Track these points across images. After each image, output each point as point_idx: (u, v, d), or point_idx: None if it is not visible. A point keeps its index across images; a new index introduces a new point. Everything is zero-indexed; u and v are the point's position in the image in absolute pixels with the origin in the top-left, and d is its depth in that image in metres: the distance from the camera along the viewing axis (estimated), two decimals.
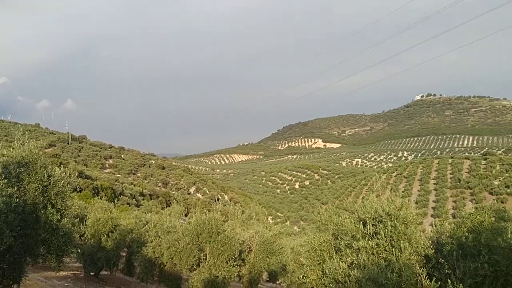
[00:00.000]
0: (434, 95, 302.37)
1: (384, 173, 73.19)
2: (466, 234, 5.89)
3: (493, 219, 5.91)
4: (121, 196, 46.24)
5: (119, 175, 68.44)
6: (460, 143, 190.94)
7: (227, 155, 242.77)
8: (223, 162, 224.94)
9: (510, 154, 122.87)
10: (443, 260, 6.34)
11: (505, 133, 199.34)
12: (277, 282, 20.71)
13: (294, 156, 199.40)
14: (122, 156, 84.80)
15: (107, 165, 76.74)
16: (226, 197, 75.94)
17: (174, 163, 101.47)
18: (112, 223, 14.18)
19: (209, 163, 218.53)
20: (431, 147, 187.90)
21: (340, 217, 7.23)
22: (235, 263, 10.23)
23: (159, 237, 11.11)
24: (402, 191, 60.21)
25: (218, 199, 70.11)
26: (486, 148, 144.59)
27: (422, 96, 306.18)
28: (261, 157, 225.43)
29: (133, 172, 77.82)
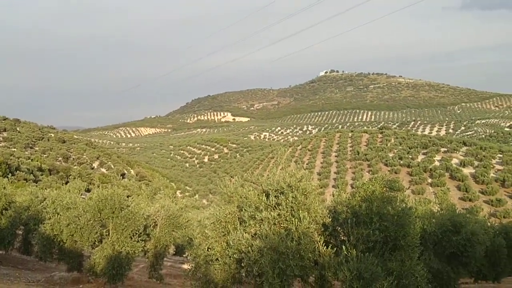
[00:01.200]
0: (337, 71, 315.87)
1: (290, 147, 75.61)
2: (360, 203, 6.29)
3: (383, 188, 6.37)
4: (17, 171, 43.18)
5: (15, 149, 63.68)
6: (360, 117, 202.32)
7: (133, 129, 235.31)
8: (129, 136, 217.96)
9: (403, 128, 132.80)
10: (339, 228, 6.75)
11: (400, 109, 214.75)
12: (184, 255, 20.80)
13: (203, 130, 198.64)
14: (18, 129, 78.75)
15: (0, 138, 70.96)
16: (132, 171, 73.98)
17: (75, 136, 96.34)
18: (6, 200, 13.27)
19: (114, 136, 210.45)
20: (334, 121, 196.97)
21: (245, 190, 7.36)
22: (139, 238, 10.06)
23: (58, 214, 10.54)
24: (306, 164, 62.70)
25: (123, 174, 68.10)
26: (383, 123, 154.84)
27: (326, 72, 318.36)
28: (169, 130, 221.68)
29: (30, 146, 72.70)
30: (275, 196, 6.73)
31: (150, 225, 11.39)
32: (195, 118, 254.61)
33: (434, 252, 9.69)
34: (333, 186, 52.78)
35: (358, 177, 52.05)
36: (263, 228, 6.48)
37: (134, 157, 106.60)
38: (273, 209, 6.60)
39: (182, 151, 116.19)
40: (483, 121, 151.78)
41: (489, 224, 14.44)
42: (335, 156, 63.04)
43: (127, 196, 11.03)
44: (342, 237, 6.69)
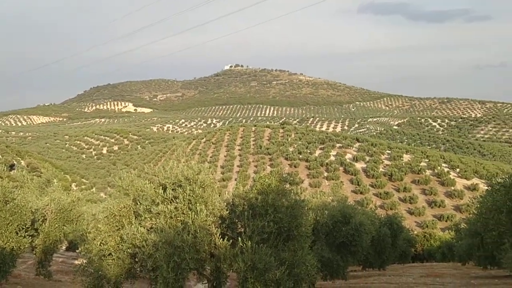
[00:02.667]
0: (242, 66, 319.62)
1: (193, 139, 75.17)
2: (257, 195, 6.43)
3: (279, 182, 6.57)
4: None
5: None
6: (263, 112, 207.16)
7: (25, 117, 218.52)
8: (20, 124, 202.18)
9: (303, 124, 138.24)
10: (236, 220, 6.84)
11: (300, 105, 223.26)
12: (77, 251, 19.81)
13: (102, 120, 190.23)
14: None
15: None
16: (22, 162, 68.75)
17: None
18: None
19: (3, 124, 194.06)
20: (238, 115, 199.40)
21: (141, 183, 7.17)
22: (26, 233, 9.42)
23: None
24: (210, 157, 62.81)
25: (12, 165, 63.05)
26: (284, 118, 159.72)
27: (231, 66, 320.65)
28: (64, 119, 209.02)
29: None
30: (172, 189, 6.63)
31: (39, 220, 10.68)
32: (94, 107, 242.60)
33: (326, 242, 10.22)
34: (236, 179, 53.45)
35: (260, 170, 53.21)
36: (159, 222, 6.36)
37: (25, 147, 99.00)
38: (170, 203, 6.51)
39: (78, 142, 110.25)
40: (375, 119, 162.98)
41: (375, 215, 15.59)
42: (239, 150, 63.87)
43: (14, 189, 10.23)
44: (239, 229, 6.79)
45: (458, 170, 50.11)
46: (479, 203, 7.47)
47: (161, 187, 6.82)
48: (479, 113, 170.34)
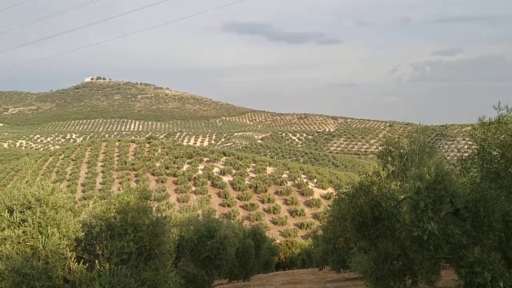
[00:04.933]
0: (104, 78, 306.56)
1: (50, 156, 69.73)
2: (115, 214, 6.18)
3: (139, 199, 6.40)
4: None
5: None
6: (128, 127, 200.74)
7: None
8: None
9: (170, 139, 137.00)
10: (94, 242, 6.49)
11: (167, 119, 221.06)
12: None
13: None
14: None
15: None
16: None
17: None
18: None
19: None
20: (100, 129, 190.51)
21: None
22: None
23: None
24: (69, 174, 58.85)
25: None
26: (150, 133, 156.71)
27: (92, 79, 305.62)
28: None
29: None
30: (20, 211, 6.06)
31: None
32: None
33: (191, 257, 10.20)
34: (98, 197, 50.75)
35: (125, 187, 51.16)
36: (5, 248, 5.76)
37: None
38: (18, 227, 5.94)
39: None
40: (240, 133, 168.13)
41: (241, 227, 16.01)
42: (101, 166, 60.87)
43: None
44: (98, 251, 6.45)
45: (315, 180, 53.91)
46: (329, 211, 8.13)
47: (7, 210, 6.19)
48: (332, 128, 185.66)
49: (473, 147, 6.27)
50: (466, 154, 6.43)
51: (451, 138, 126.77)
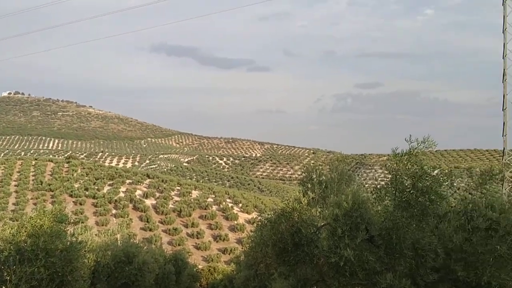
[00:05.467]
0: (23, 93, 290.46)
1: None
2: (26, 238, 5.83)
3: (53, 223, 6.09)
4: None
5: None
6: (46, 145, 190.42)
7: None
8: None
9: (91, 159, 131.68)
10: (1, 267, 6.07)
11: (89, 139, 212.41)
12: None
13: None
14: None
15: None
16: None
17: None
18: None
19: None
20: (16, 147, 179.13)
21: None
22: None
23: None
24: None
25: None
26: (71, 152, 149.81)
27: (9, 93, 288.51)
28: None
29: None
30: None
31: None
32: None
33: (107, 284, 9.79)
34: (11, 219, 47.38)
35: (40, 208, 48.28)
36: None
37: None
38: None
39: None
40: (166, 156, 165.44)
41: (162, 252, 15.64)
42: (15, 186, 56.98)
43: None
44: (5, 277, 6.03)
45: (240, 205, 54.01)
46: (251, 237, 8.19)
47: None
48: (259, 153, 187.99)
49: (388, 177, 6.67)
50: (382, 183, 6.81)
51: (369, 167, 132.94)
